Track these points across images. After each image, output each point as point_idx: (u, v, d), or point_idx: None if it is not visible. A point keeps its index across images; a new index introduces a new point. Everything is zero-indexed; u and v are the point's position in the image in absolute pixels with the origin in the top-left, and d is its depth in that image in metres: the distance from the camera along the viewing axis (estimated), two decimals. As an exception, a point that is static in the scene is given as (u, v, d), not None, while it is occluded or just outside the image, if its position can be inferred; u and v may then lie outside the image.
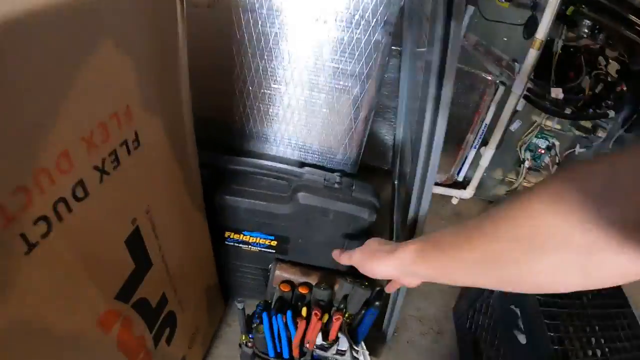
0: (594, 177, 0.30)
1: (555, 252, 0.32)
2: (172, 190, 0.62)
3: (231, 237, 0.96)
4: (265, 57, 0.82)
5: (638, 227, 0.27)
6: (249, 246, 0.98)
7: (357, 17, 0.73)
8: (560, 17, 1.42)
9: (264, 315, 0.83)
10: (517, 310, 0.95)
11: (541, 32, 1.40)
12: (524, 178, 1.93)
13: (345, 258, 0.62)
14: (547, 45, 1.47)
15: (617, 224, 0.28)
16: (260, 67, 0.84)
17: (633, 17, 1.38)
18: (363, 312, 0.85)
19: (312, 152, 0.97)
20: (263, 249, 0.98)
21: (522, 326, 0.90)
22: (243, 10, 0.74)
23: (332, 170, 0.95)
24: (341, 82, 0.84)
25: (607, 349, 0.84)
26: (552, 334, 0.82)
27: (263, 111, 0.91)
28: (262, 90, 0.88)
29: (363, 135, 0.91)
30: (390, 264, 0.50)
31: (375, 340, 1.18)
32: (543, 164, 1.93)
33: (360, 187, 0.89)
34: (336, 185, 0.87)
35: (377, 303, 0.84)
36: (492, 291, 1.12)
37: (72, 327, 0.42)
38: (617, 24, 1.40)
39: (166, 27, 0.49)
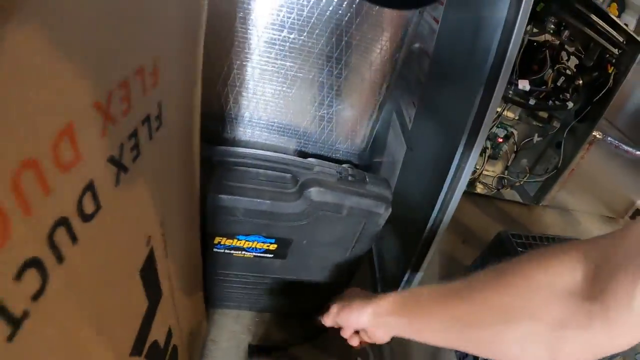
0: (580, 251, 0.33)
1: (525, 322, 0.34)
2: (183, 192, 0.47)
3: (222, 243, 0.82)
4: (250, 20, 0.68)
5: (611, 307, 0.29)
6: (243, 252, 0.84)
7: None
8: (530, 14, 1.46)
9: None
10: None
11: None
12: (484, 166, 2.00)
13: (328, 317, 0.61)
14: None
15: (589, 301, 0.30)
16: (246, 35, 0.70)
17: (594, 17, 1.46)
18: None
19: (313, 141, 0.86)
20: (259, 255, 0.85)
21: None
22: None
23: (338, 162, 0.85)
24: (350, 62, 0.74)
25: None
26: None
27: (249, 90, 0.77)
28: (248, 65, 0.74)
29: (374, 123, 0.82)
30: (366, 312, 0.51)
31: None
32: (501, 153, 2.02)
33: (373, 179, 0.80)
34: (350, 178, 0.77)
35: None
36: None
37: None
38: (580, 22, 1.48)
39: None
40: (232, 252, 0.84)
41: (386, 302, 0.49)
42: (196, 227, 0.62)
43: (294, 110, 0.79)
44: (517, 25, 0.60)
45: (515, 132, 1.93)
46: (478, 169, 1.99)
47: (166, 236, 0.41)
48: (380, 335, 0.54)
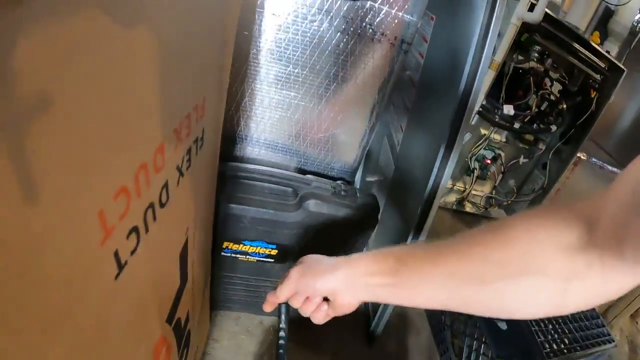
0: (574, 209, 0.33)
1: (531, 277, 0.33)
2: (207, 197, 0.59)
3: (229, 247, 0.92)
4: (261, 57, 0.81)
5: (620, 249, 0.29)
6: (247, 256, 0.95)
7: (369, 29, 0.76)
8: (514, 43, 1.59)
9: None
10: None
11: (499, 55, 1.56)
12: (472, 186, 2.09)
13: (282, 290, 0.49)
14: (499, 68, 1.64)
15: (586, 253, 0.31)
16: (257, 68, 0.83)
17: (576, 45, 1.59)
18: None
19: (312, 160, 0.97)
20: (262, 259, 0.96)
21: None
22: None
23: (332, 178, 0.96)
24: (345, 93, 0.86)
25: (570, 327, 0.98)
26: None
27: (258, 115, 0.90)
28: (258, 93, 0.86)
29: (365, 145, 0.94)
30: (336, 275, 0.44)
31: (362, 341, 1.21)
32: (489, 174, 2.12)
33: (363, 194, 0.91)
34: (343, 193, 0.88)
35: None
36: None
37: None
38: (563, 51, 1.61)
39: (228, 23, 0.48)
40: (237, 256, 0.94)
41: (365, 261, 0.43)
42: (210, 229, 0.72)
43: (295, 133, 0.91)
44: (482, 60, 0.71)
45: (502, 154, 2.02)
46: (467, 188, 2.09)
47: (196, 231, 0.52)
48: (348, 301, 0.46)
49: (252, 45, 0.79)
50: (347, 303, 0.46)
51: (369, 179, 1.42)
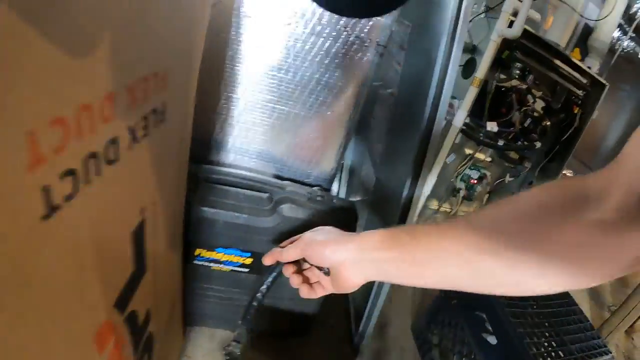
0: (586, 180, 0.33)
1: (546, 245, 0.32)
2: (173, 186, 0.56)
3: (202, 255, 0.89)
4: (237, 62, 0.80)
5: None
6: (220, 265, 0.91)
7: (344, 32, 0.76)
8: (495, 60, 1.63)
9: None
10: (483, 315, 1.00)
11: (481, 72, 1.58)
12: (459, 207, 2.07)
13: (289, 250, 0.50)
14: (482, 86, 1.66)
15: (615, 216, 0.30)
16: (234, 71, 0.82)
17: (557, 62, 1.63)
18: None
19: (288, 166, 0.96)
20: (236, 269, 0.92)
21: (490, 328, 0.96)
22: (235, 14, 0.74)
23: (310, 186, 0.95)
24: (321, 97, 0.86)
25: (564, 339, 0.95)
26: (521, 331, 0.88)
27: (234, 119, 0.89)
28: (234, 96, 0.85)
29: (341, 152, 0.93)
30: (347, 246, 0.44)
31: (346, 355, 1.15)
32: (476, 194, 2.10)
33: (340, 201, 0.89)
34: (319, 199, 0.86)
35: None
36: (454, 304, 1.18)
37: (67, 345, 0.34)
38: (544, 68, 1.64)
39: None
40: (211, 265, 0.91)
41: (377, 236, 0.42)
42: (179, 227, 0.69)
43: (272, 138, 0.90)
44: (449, 68, 0.71)
45: (488, 174, 2.02)
46: (452, 209, 2.07)
47: (156, 218, 0.49)
48: (353, 277, 0.44)
49: (229, 47, 0.79)
50: (350, 279, 0.45)
51: (352, 199, 1.41)
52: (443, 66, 0.71)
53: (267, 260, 0.52)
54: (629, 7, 1.89)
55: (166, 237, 0.59)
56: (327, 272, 0.49)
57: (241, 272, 0.93)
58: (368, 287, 1.10)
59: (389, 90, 1.11)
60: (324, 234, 0.49)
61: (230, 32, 0.76)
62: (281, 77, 0.82)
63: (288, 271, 0.53)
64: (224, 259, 0.90)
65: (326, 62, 0.79)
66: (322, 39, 0.77)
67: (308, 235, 0.50)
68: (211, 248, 0.88)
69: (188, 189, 0.76)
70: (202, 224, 0.82)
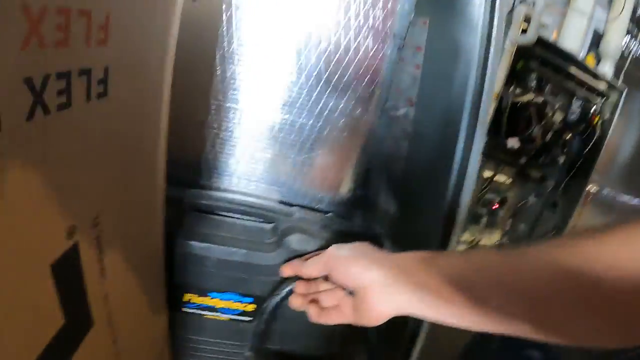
0: None
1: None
2: (135, 203, 0.41)
3: (192, 301, 0.72)
4: (229, 63, 0.67)
5: None
6: (216, 313, 0.74)
7: (356, 23, 0.64)
8: (510, 72, 1.52)
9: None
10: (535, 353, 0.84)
11: (497, 84, 1.47)
12: (481, 235, 1.91)
13: (310, 264, 0.47)
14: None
15: None
16: (226, 78, 0.69)
17: (573, 69, 1.53)
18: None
19: (296, 189, 0.81)
20: (235, 317, 0.75)
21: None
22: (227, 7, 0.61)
23: (322, 212, 0.79)
24: (332, 102, 0.72)
25: None
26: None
27: (228, 134, 0.74)
28: (226, 105, 0.72)
29: (361, 170, 0.78)
30: (379, 267, 0.38)
31: None
32: (498, 219, 1.95)
33: (362, 228, 0.74)
34: (334, 228, 0.70)
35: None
36: (495, 348, 1.00)
37: None
38: (561, 77, 1.54)
39: None
40: (203, 312, 0.74)
41: (411, 258, 0.37)
42: (158, 264, 0.53)
43: (275, 155, 0.75)
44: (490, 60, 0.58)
45: (509, 196, 1.88)
46: (474, 238, 1.91)
47: (103, 245, 0.33)
48: (381, 304, 0.38)
49: (219, 47, 0.66)
50: (376, 308, 0.38)
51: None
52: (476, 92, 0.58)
53: (287, 271, 0.49)
54: (635, 10, 1.82)
55: (131, 274, 0.43)
56: (351, 292, 0.43)
57: (242, 320, 0.76)
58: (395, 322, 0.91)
59: (401, 110, 0.98)
60: (352, 249, 0.43)
61: (219, 29, 0.64)
62: (283, 79, 0.69)
63: (299, 288, 0.48)
64: (219, 306, 0.73)
65: (336, 57, 0.66)
66: (328, 31, 0.64)
67: (333, 249, 0.45)
68: (203, 292, 0.71)
69: (171, 218, 0.61)
70: (191, 262, 0.66)
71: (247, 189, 0.78)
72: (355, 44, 0.64)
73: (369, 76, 0.68)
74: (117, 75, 0.30)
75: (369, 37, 0.64)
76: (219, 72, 0.66)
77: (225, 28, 0.64)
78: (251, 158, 0.76)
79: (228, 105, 0.69)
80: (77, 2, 0.23)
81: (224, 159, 0.75)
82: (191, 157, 0.74)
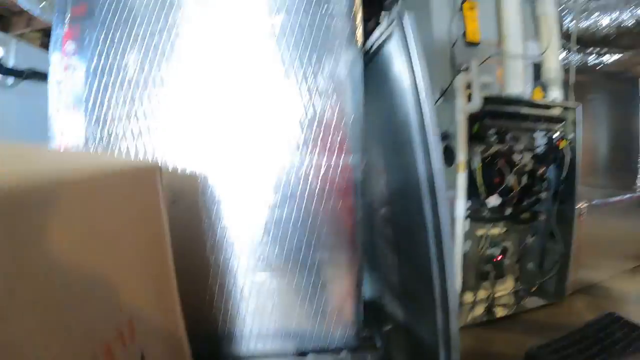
0: None
1: None
2: None
3: None
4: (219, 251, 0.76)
5: None
6: None
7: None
8: (470, 137, 1.61)
9: None
10: None
11: (462, 155, 1.56)
12: (494, 289, 1.88)
13: None
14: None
15: None
16: (228, 257, 0.77)
17: (525, 110, 1.65)
18: None
19: (308, 335, 0.85)
20: None
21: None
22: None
23: (335, 350, 0.83)
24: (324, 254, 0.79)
25: None
26: None
27: (235, 307, 0.81)
28: (231, 282, 0.79)
29: (359, 301, 0.83)
30: None
31: None
32: (506, 268, 1.92)
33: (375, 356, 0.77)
34: (350, 366, 0.74)
35: None
36: None
37: None
38: (516, 121, 1.66)
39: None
40: None
41: None
42: None
43: (283, 311, 0.81)
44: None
45: (508, 245, 1.89)
46: (489, 293, 1.87)
47: None
48: None
49: (208, 239, 0.75)
50: None
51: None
52: (428, 177, 0.67)
53: None
54: (561, 26, 1.98)
55: None
56: None
57: None
58: None
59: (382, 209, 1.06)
60: None
61: (204, 221, 0.73)
62: (282, 251, 0.77)
63: None
64: None
65: (320, 218, 0.75)
66: (296, 200, 0.74)
67: None
68: None
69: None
70: None
71: (263, 350, 0.82)
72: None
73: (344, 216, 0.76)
74: (151, 350, 0.37)
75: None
76: (214, 261, 0.74)
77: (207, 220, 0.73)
78: (262, 315, 0.81)
79: (230, 281, 0.76)
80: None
81: (238, 327, 0.81)
82: (208, 333, 0.79)
